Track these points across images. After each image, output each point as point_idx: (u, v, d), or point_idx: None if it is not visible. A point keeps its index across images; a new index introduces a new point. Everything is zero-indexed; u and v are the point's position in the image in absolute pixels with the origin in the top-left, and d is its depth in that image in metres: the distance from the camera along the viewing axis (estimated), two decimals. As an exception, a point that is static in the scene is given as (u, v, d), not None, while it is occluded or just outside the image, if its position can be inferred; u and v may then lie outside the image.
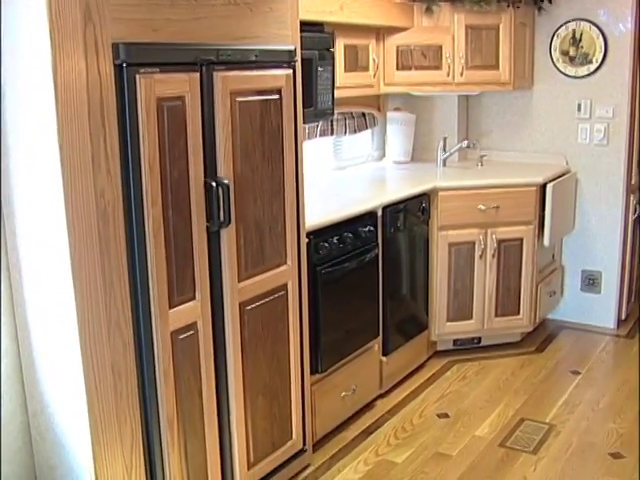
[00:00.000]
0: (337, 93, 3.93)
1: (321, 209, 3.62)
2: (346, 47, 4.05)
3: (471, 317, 4.43)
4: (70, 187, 2.19)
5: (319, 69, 3.72)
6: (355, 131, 4.77)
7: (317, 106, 3.74)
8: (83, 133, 2.20)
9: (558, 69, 4.83)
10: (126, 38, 2.28)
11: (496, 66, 4.55)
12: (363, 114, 4.83)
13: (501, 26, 4.50)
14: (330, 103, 3.84)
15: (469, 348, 4.60)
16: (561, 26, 4.76)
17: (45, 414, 2.47)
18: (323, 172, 4.60)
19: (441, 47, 4.47)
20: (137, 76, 2.30)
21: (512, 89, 4.65)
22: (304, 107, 3.40)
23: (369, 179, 4.61)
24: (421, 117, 5.14)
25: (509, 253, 4.41)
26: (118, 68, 2.27)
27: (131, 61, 2.28)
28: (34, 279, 2.36)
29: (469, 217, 4.30)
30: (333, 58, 3.82)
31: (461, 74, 4.50)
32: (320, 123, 4.39)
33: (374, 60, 4.30)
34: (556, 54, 4.81)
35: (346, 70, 4.06)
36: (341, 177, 4.60)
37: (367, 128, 4.90)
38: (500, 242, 4.37)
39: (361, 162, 5.00)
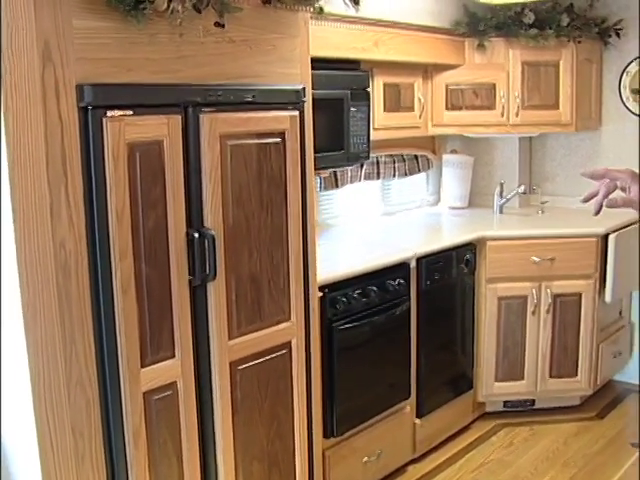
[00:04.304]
0: (375, 135, 3.73)
1: (346, 259, 3.40)
2: (386, 86, 3.82)
3: (523, 377, 4.07)
4: (24, 237, 2.05)
5: (352, 109, 3.52)
6: (406, 174, 4.52)
7: (349, 149, 3.54)
8: (40, 181, 2.06)
9: (628, 109, 4.45)
10: (93, 79, 2.14)
11: (556, 105, 4.22)
12: (415, 156, 4.58)
13: (561, 62, 4.18)
14: (365, 146, 3.63)
15: (521, 411, 4.22)
16: (631, 62, 4.40)
17: None
18: (368, 218, 4.37)
19: (494, 85, 4.18)
20: (104, 120, 2.16)
21: (575, 130, 4.30)
22: (331, 150, 3.23)
23: (415, 226, 4.34)
24: (480, 160, 4.83)
25: (566, 309, 4.03)
26: (83, 111, 2.13)
27: (98, 103, 2.14)
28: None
29: (521, 269, 3.97)
30: (369, 98, 3.62)
31: (516, 114, 4.19)
32: (364, 166, 4.18)
33: (420, 100, 4.05)
34: (626, 93, 4.44)
35: (386, 110, 3.84)
36: (387, 223, 4.36)
37: (420, 171, 4.65)
38: (555, 297, 4.00)
39: (414, 207, 4.74)
